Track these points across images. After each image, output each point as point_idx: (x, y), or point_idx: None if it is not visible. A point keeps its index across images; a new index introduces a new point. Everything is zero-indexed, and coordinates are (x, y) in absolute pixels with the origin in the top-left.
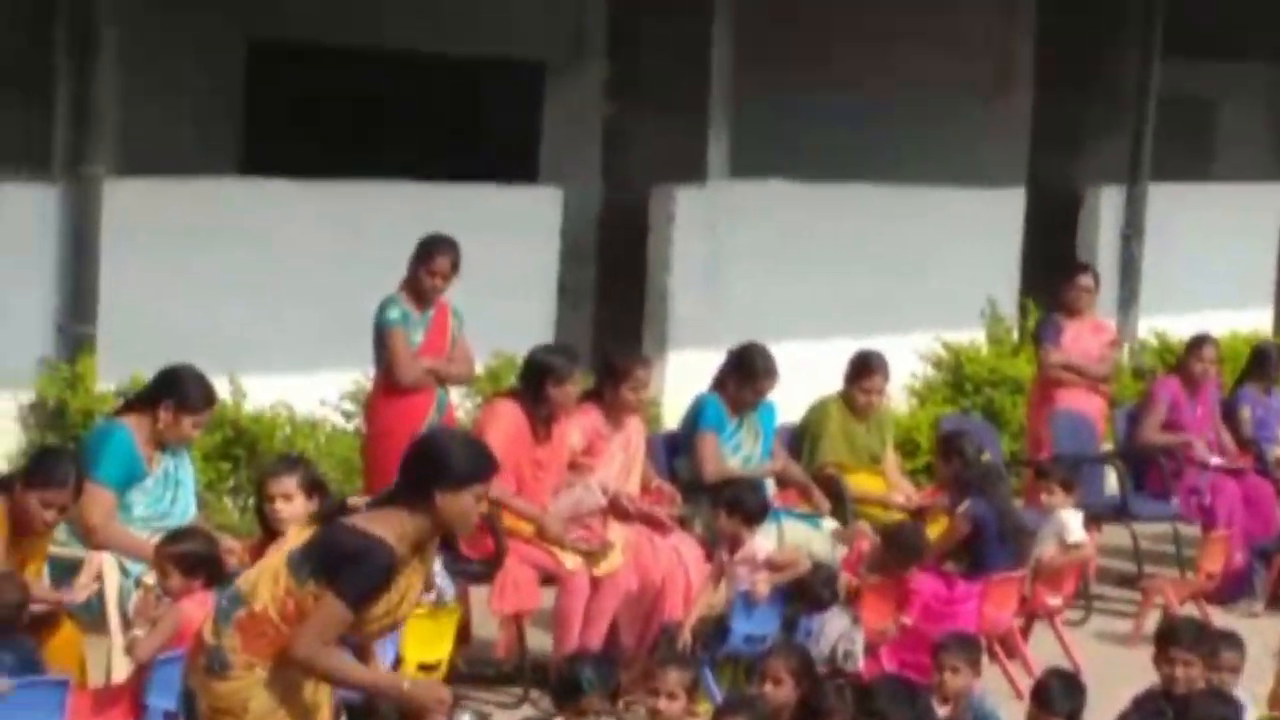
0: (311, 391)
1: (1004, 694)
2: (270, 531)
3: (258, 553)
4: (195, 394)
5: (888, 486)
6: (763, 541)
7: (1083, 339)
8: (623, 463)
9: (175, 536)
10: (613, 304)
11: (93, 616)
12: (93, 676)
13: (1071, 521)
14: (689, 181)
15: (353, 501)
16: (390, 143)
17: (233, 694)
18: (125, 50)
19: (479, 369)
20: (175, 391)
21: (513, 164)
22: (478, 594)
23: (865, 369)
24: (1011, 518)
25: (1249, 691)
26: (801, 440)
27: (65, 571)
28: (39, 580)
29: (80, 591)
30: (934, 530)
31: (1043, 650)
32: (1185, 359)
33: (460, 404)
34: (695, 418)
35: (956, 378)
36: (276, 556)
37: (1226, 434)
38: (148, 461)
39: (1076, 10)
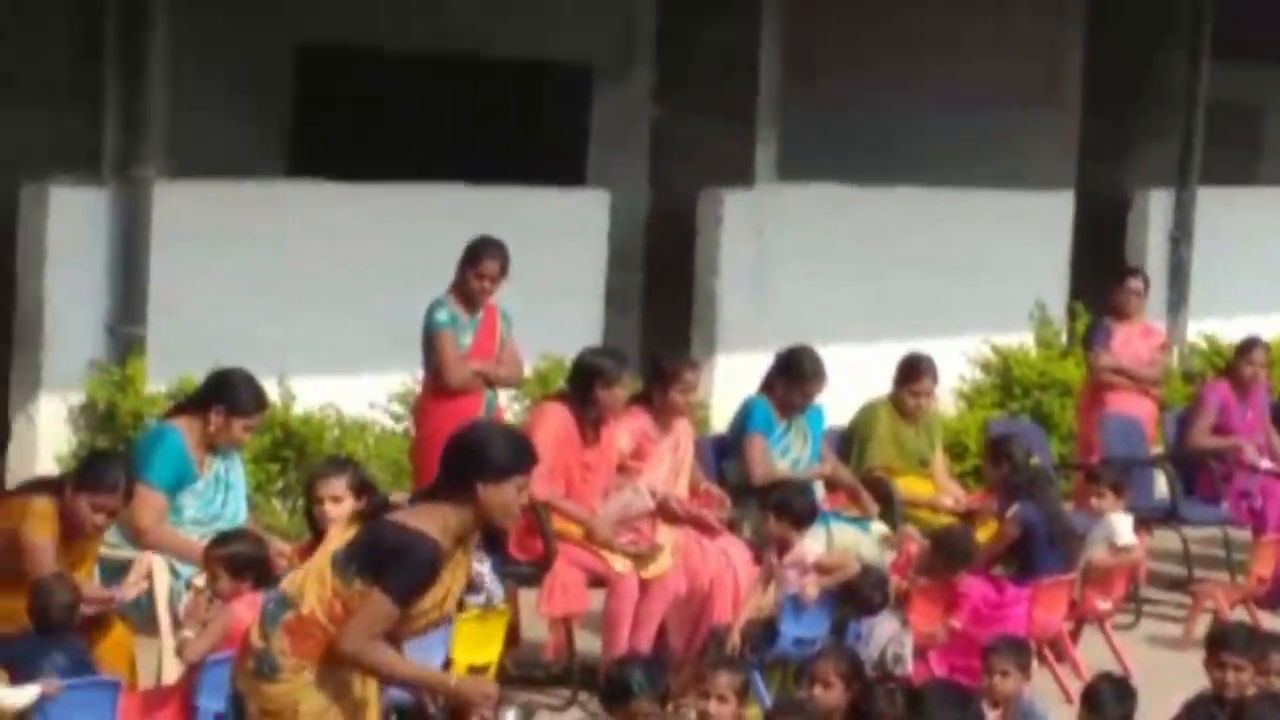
0: (360, 394)
1: (1054, 698)
2: (319, 533)
3: (307, 555)
4: (246, 397)
5: (936, 489)
6: (811, 544)
7: (1133, 342)
8: (671, 465)
9: (224, 538)
10: (660, 307)
11: (143, 618)
12: (143, 678)
13: (1121, 525)
14: (736, 185)
15: (395, 498)
16: (438, 146)
17: (283, 696)
18: (175, 54)
19: (527, 371)
20: (226, 395)
21: (561, 167)
22: (527, 596)
23: (914, 372)
24: (1061, 521)
25: None
26: (850, 443)
27: (115, 573)
28: (89, 582)
29: (130, 589)
30: (983, 534)
31: (1093, 654)
32: (1235, 362)
33: (509, 406)
34: (743, 421)
35: (1005, 381)
36: (321, 558)
37: (1277, 437)
38: (199, 464)
39: (1125, 15)
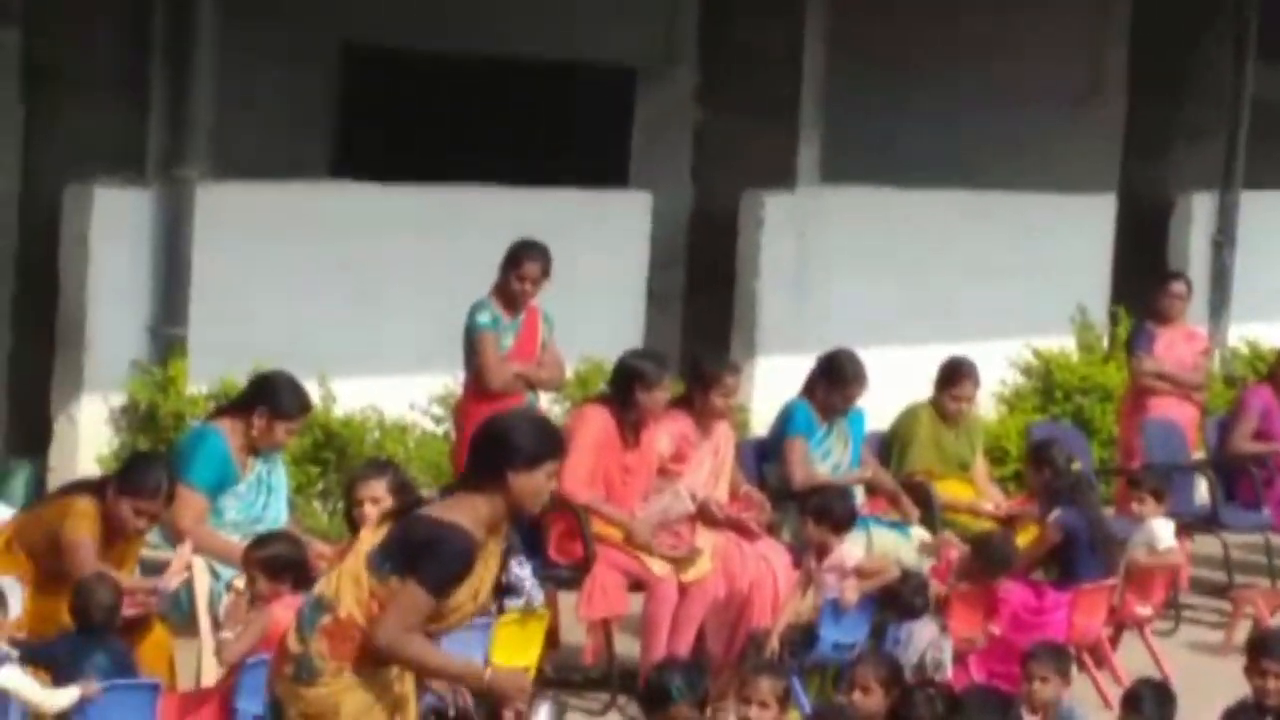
0: (401, 396)
1: (1093, 704)
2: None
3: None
4: (289, 401)
5: (977, 494)
6: (851, 549)
7: (1176, 347)
8: (711, 469)
9: (262, 540)
10: (701, 309)
11: (183, 619)
12: (182, 680)
13: (1162, 531)
14: (778, 187)
15: (425, 495)
16: (481, 147)
17: (323, 699)
18: (220, 55)
19: (568, 374)
20: (270, 398)
21: (603, 169)
22: (566, 599)
23: (955, 376)
24: (1102, 527)
25: None
26: (890, 447)
27: (156, 574)
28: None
29: (172, 579)
30: (1023, 539)
31: (1132, 660)
32: (1276, 367)
33: (549, 409)
34: (784, 424)
35: (1046, 385)
36: (354, 560)
37: None
38: (241, 467)
39: (1169, 15)
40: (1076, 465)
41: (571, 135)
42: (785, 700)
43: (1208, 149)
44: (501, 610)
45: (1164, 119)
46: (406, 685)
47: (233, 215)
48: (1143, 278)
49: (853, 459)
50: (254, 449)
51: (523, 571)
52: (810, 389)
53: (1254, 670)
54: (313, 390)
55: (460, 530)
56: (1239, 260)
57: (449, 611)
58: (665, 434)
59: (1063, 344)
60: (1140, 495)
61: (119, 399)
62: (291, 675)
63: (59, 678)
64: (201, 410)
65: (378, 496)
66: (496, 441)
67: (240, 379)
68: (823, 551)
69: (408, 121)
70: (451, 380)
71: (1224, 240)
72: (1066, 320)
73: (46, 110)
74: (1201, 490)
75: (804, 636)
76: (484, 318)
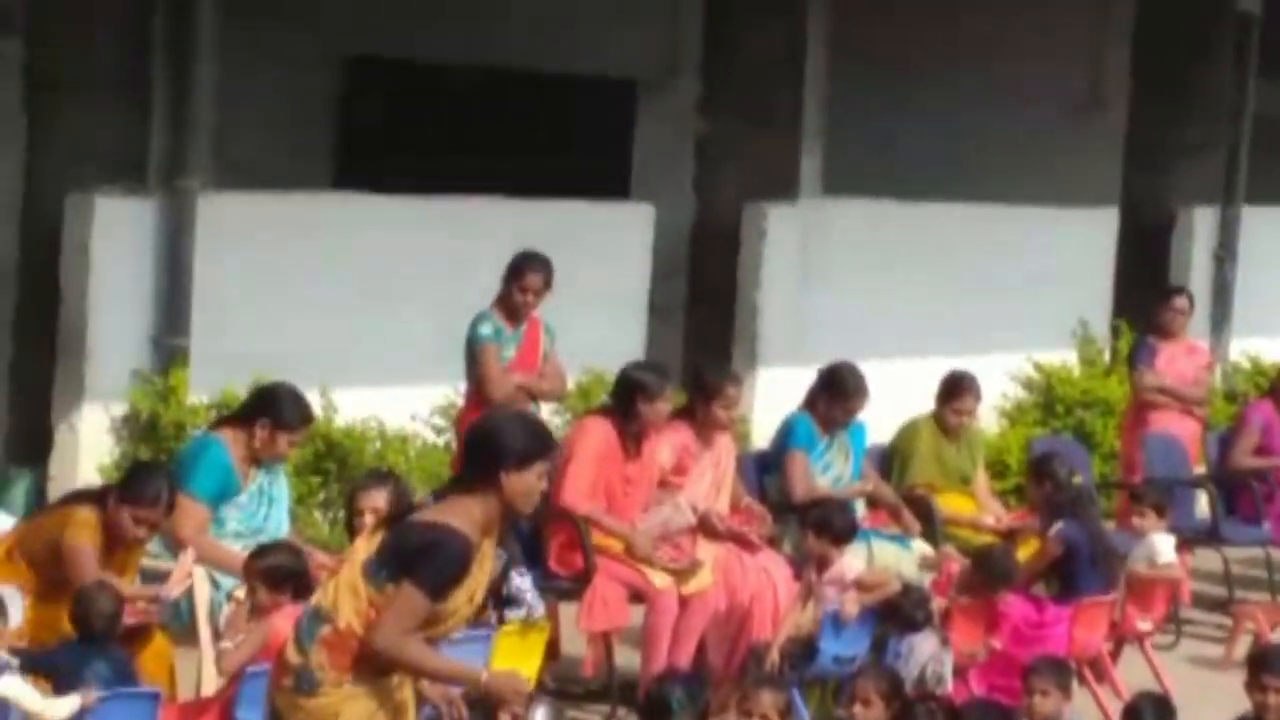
0: (403, 406)
1: (1093, 718)
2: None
3: None
4: (292, 412)
5: (978, 507)
6: (852, 562)
7: (1177, 361)
8: (712, 481)
9: (263, 551)
10: (703, 321)
11: (184, 629)
12: (183, 689)
13: (1162, 545)
14: (781, 199)
15: (418, 500)
16: (483, 158)
17: (323, 709)
18: (221, 64)
19: (570, 385)
20: (272, 410)
21: (605, 180)
22: (567, 611)
23: (956, 389)
24: (1103, 541)
25: None
26: (891, 460)
27: (158, 583)
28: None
29: (174, 587)
30: (1024, 553)
31: (1133, 675)
32: (1278, 382)
33: (551, 420)
34: (785, 436)
35: (1047, 399)
36: (350, 570)
37: None
38: (243, 477)
39: (1171, 28)
40: (1077, 479)
41: (573, 146)
42: (786, 713)
43: (1209, 163)
44: (502, 621)
45: (1166, 132)
46: (406, 693)
47: (234, 225)
48: (1144, 291)
49: (854, 472)
50: (256, 460)
51: (523, 583)
52: (811, 401)
53: (1254, 685)
54: (314, 400)
55: (456, 533)
56: (1240, 275)
57: (446, 615)
58: (666, 446)
59: (1064, 358)
60: (1141, 509)
61: (120, 408)
62: (291, 687)
63: (60, 686)
64: (202, 420)
65: (379, 507)
66: (487, 442)
67: (241, 389)
68: (823, 564)
69: (409, 132)
70: (453, 391)
71: (1225, 255)
72: (1068, 334)
73: (48, 119)
74: (1202, 505)
75: (804, 649)
76: (486, 329)
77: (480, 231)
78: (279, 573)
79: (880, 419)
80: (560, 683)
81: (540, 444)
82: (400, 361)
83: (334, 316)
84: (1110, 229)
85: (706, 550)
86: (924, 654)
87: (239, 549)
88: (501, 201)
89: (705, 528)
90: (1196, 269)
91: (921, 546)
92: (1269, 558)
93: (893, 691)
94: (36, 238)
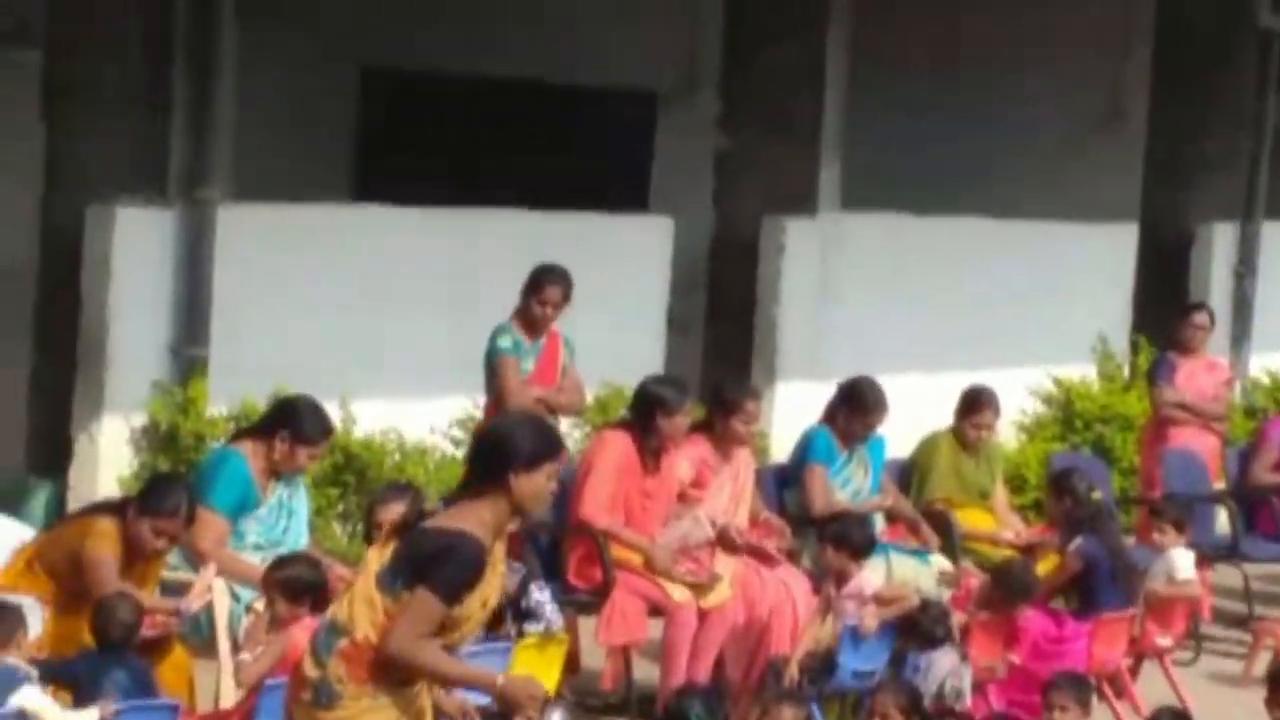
0: (422, 418)
1: None
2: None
3: None
4: (311, 426)
5: (997, 522)
6: (870, 576)
7: (1197, 377)
8: (731, 494)
9: (281, 562)
10: (722, 334)
11: (203, 641)
12: (202, 702)
13: (1182, 561)
14: (800, 212)
15: (429, 508)
16: (502, 171)
17: None
18: (241, 77)
19: (589, 399)
20: (292, 423)
21: (624, 193)
22: (586, 624)
23: (976, 404)
24: (1123, 556)
25: None
26: (910, 475)
27: (177, 595)
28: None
29: (195, 600)
30: (1043, 568)
31: (1152, 691)
32: None
33: (569, 434)
34: (804, 450)
35: (1067, 414)
36: (364, 581)
37: None
38: (262, 490)
39: (1191, 43)
40: (1097, 494)
41: (592, 159)
42: None
43: (1229, 178)
44: (521, 634)
45: (1186, 148)
46: (425, 701)
47: (254, 236)
48: (1164, 307)
49: (873, 486)
50: (275, 472)
51: (542, 596)
52: (831, 416)
53: (1274, 702)
54: (333, 412)
55: (469, 537)
56: (1260, 290)
57: (460, 621)
58: (685, 459)
59: (1083, 373)
60: (1161, 525)
61: (140, 419)
62: (310, 700)
63: (79, 696)
64: (222, 431)
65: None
66: (496, 444)
67: (261, 400)
68: (842, 578)
69: (429, 145)
70: (471, 404)
71: (1245, 270)
72: (1087, 349)
73: (68, 130)
74: (1222, 521)
75: (823, 664)
76: (505, 342)
77: (499, 243)
78: (298, 585)
79: (899, 433)
80: (579, 696)
81: (548, 445)
82: (419, 373)
83: (353, 328)
84: (1130, 243)
85: (725, 564)
86: (943, 669)
87: (258, 561)
88: (521, 214)
89: (724, 542)
90: (1216, 284)
91: (940, 561)
92: None
93: (912, 706)
94: (57, 248)
